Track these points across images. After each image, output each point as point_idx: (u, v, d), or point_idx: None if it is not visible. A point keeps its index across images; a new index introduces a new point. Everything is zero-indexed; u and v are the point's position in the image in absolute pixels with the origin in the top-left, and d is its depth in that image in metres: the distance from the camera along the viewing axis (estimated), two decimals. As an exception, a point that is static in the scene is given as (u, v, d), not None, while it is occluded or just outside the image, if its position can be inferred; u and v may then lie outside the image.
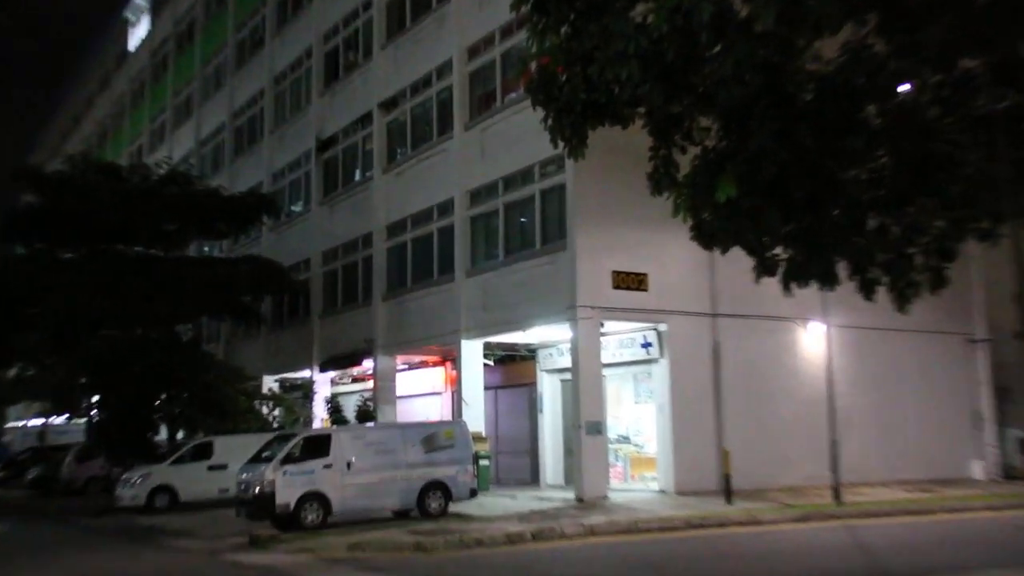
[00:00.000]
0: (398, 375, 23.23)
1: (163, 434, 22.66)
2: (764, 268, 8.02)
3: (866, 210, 7.71)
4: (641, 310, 17.49)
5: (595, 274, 17.08)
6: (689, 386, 17.86)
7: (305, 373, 26.07)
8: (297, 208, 27.60)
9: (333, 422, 21.96)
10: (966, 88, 7.20)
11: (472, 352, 19.87)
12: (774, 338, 18.87)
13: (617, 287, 17.28)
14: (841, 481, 16.17)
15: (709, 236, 8.08)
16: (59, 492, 23.72)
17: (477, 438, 18.14)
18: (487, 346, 20.41)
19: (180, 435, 21.96)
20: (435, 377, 23.46)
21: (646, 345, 18.15)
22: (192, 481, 19.14)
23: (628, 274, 17.46)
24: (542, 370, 20.51)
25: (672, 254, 17.74)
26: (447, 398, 22.80)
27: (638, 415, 19.39)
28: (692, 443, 17.64)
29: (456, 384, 20.26)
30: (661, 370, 17.93)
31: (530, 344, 20.48)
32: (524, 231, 18.95)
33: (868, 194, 7.71)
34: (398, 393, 23.04)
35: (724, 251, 8.13)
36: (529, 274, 18.45)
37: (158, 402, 21.72)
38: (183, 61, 35.77)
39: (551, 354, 20.25)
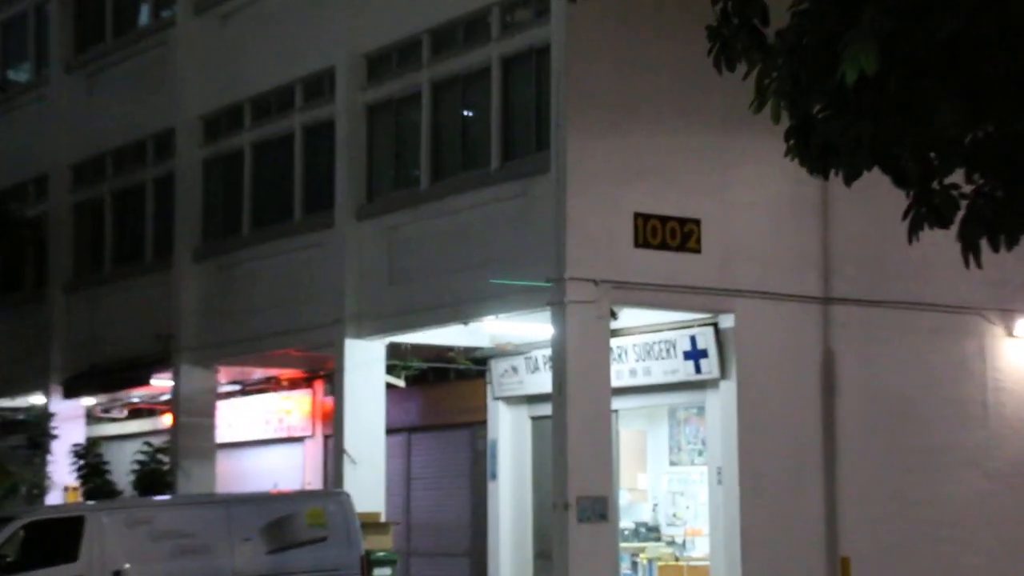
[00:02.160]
0: (222, 404, 24.04)
1: None
2: (928, 213, 8.28)
3: None
4: (687, 288, 17.67)
5: (601, 218, 17.33)
6: (776, 432, 18.14)
7: (35, 398, 26.61)
8: (20, 76, 28.44)
9: (89, 493, 22.63)
10: None
11: (365, 362, 20.17)
12: (942, 346, 19.30)
13: (643, 244, 17.54)
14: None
15: (822, 151, 8.34)
16: None
17: (371, 523, 18.41)
18: (394, 351, 20.81)
19: None
20: (294, 409, 24.38)
21: (695, 355, 18.20)
22: None
23: (664, 220, 17.61)
24: (496, 398, 21.10)
25: (748, 186, 18.09)
26: (316, 448, 23.85)
27: (678, 486, 20.04)
28: (780, 541, 17.93)
29: (334, 422, 20.59)
30: (722, 401, 18.15)
31: (476, 349, 20.99)
32: (469, 137, 19.40)
33: None
34: (221, 438, 23.83)
35: (849, 179, 8.39)
36: (477, 218, 18.77)
37: None
38: None
39: (514, 369, 20.68)
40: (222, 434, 23.81)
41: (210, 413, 23.42)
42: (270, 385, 24.78)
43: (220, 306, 22.89)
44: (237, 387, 24.82)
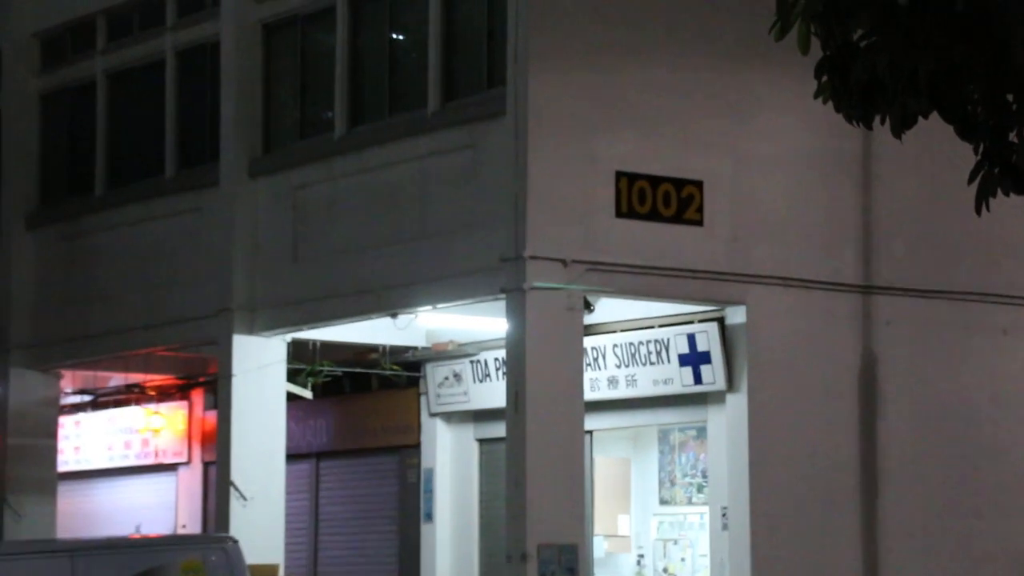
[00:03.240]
0: (66, 421, 24.25)
1: None
2: (1003, 174, 8.45)
3: None
4: (685, 272, 17.87)
5: (572, 179, 17.55)
6: (799, 461, 18.35)
7: None
8: None
9: None
10: None
11: (259, 366, 20.41)
12: (1017, 349, 19.55)
13: (627, 213, 17.75)
14: None
15: (863, 91, 8.50)
16: None
17: None
18: (299, 352, 20.97)
19: None
20: (164, 428, 24.41)
21: (694, 360, 18.47)
22: None
23: (655, 182, 17.79)
24: (433, 414, 21.42)
25: (765, 139, 18.32)
26: (193, 478, 24.10)
27: (670, 531, 20.13)
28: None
29: (217, 445, 20.78)
30: (729, 420, 18.40)
31: (408, 350, 21.29)
32: (399, 69, 19.67)
33: None
34: (65, 466, 23.89)
35: (899, 128, 8.53)
36: (410, 177, 19.00)
37: None
38: None
39: (456, 377, 20.94)
40: (66, 460, 23.69)
41: (50, 432, 23.44)
42: (132, 396, 24.74)
43: (64, 290, 22.99)
44: (87, 398, 24.71)
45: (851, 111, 8.70)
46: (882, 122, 8.62)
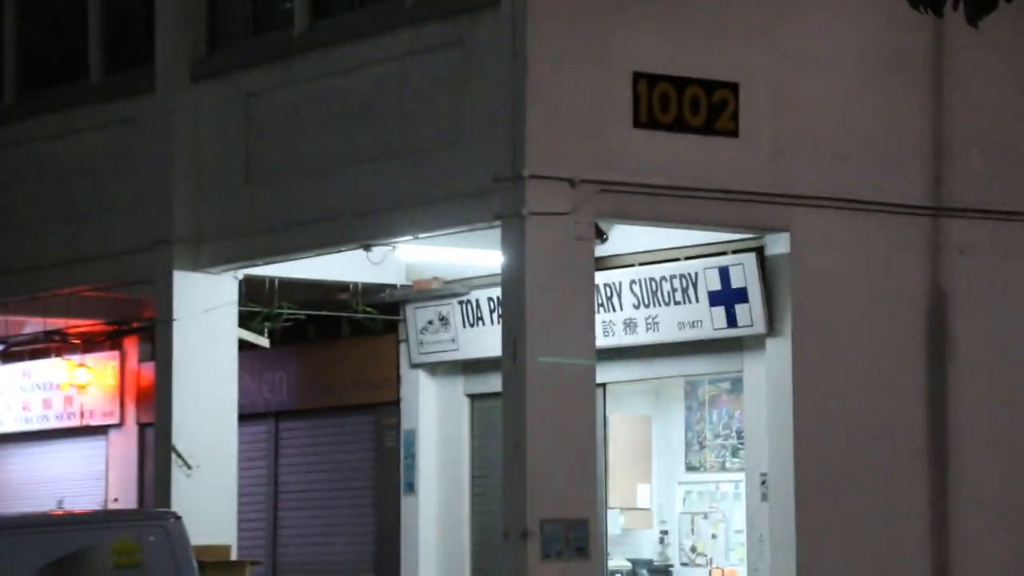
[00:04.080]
0: None
1: None
2: None
3: None
4: (717, 192, 17.89)
5: (581, 81, 17.52)
6: (853, 418, 18.44)
7: None
8: None
9: None
10: None
11: (206, 309, 20.50)
12: None
13: (647, 123, 17.78)
14: None
15: None
16: None
17: (216, 563, 18.70)
18: (254, 292, 21.14)
19: None
20: (91, 383, 24.52)
21: (728, 298, 18.60)
22: None
23: (680, 84, 17.86)
24: (415, 365, 21.60)
25: (813, 32, 18.36)
26: (127, 443, 24.45)
27: (699, 503, 20.68)
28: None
29: (156, 404, 20.91)
30: (770, 371, 18.54)
31: (384, 288, 21.53)
32: None
33: None
34: None
35: (976, 15, 8.50)
36: (385, 79, 19.09)
37: None
38: None
39: (443, 320, 21.08)
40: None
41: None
42: (52, 345, 24.78)
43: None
44: None
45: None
46: (954, 7, 8.52)
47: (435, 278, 20.64)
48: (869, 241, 18.42)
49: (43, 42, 22.83)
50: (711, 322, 18.45)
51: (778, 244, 18.08)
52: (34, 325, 24.77)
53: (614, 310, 18.87)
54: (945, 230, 18.73)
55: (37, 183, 22.36)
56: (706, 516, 20.61)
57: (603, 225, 17.62)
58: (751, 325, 18.14)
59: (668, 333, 18.83)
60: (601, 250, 17.89)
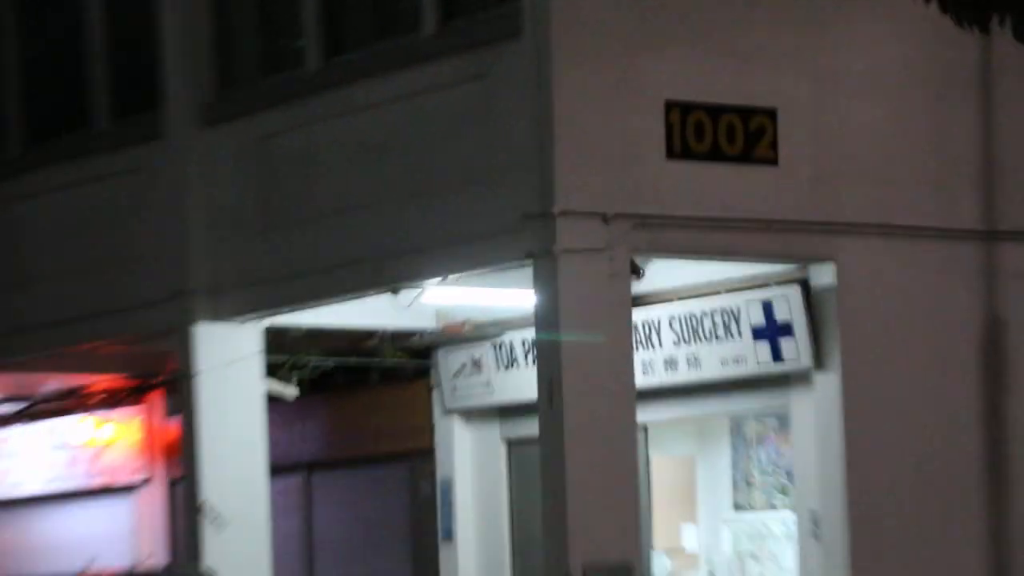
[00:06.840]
0: None
1: None
2: None
3: None
4: (757, 222, 17.95)
5: (611, 112, 17.54)
6: (906, 453, 18.50)
7: None
8: None
9: None
10: None
11: (230, 360, 20.72)
12: None
13: (681, 154, 17.79)
14: None
15: None
16: None
17: None
18: (278, 343, 21.50)
19: None
20: (116, 440, 25.39)
21: (772, 332, 18.76)
22: None
23: (716, 112, 17.90)
24: (449, 411, 22.00)
25: (855, 53, 18.49)
26: (156, 500, 25.10)
27: (748, 543, 21.10)
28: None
29: (183, 458, 21.19)
30: (818, 406, 18.60)
31: (414, 333, 21.81)
32: None
33: None
34: None
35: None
36: (404, 118, 19.22)
37: None
38: None
39: (476, 364, 21.52)
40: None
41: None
42: (73, 402, 25.11)
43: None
44: (18, 406, 25.15)
45: (962, 11, 8.79)
46: (1000, 23, 8.66)
47: (466, 321, 21.03)
48: (918, 268, 18.60)
49: (47, 90, 23.29)
50: (755, 358, 18.72)
51: (823, 275, 18.24)
52: (54, 383, 25.28)
53: (654, 348, 19.21)
54: (998, 254, 18.92)
55: (48, 236, 22.74)
56: (755, 556, 21.02)
57: (639, 260, 17.79)
58: (797, 360, 18.33)
59: (710, 371, 19.14)
60: (638, 287, 18.03)
